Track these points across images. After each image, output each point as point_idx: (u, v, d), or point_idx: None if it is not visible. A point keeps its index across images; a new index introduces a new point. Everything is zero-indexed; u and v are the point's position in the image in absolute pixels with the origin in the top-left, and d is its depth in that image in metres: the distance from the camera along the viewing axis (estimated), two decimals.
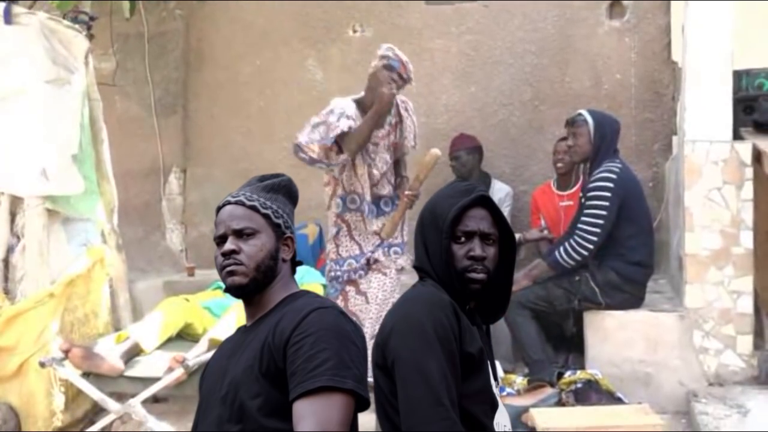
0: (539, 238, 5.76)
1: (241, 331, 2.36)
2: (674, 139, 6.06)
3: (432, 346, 2.16)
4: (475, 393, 2.22)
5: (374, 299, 4.84)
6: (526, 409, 4.55)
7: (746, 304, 4.93)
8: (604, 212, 4.95)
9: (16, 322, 4.63)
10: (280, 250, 2.31)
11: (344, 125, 4.66)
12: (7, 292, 4.77)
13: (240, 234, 2.26)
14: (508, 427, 2.33)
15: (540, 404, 4.68)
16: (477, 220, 2.31)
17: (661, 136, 6.40)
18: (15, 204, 4.85)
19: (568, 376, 4.89)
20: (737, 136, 5.08)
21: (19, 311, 4.64)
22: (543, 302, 5.14)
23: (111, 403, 4.37)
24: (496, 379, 2.34)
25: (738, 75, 5.17)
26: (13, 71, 4.83)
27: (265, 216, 2.29)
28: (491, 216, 2.33)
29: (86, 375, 4.43)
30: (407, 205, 4.89)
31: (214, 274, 4.03)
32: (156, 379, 4.33)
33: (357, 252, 4.91)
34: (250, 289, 2.27)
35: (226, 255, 2.25)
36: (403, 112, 4.91)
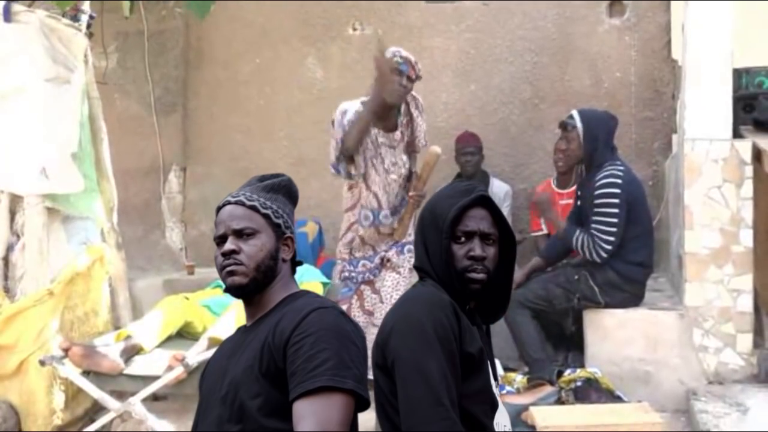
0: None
1: (241, 331, 2.36)
2: (674, 137, 6.06)
3: (432, 346, 2.16)
4: (475, 393, 2.22)
5: (388, 299, 4.81)
6: (525, 408, 4.56)
7: (746, 303, 4.94)
8: (614, 219, 4.95)
9: (15, 321, 4.63)
10: (280, 250, 2.31)
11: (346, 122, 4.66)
12: (7, 290, 4.77)
13: (240, 234, 2.26)
14: (508, 427, 2.33)
15: (540, 403, 4.68)
16: (477, 220, 2.30)
17: (661, 134, 6.40)
18: (15, 202, 4.85)
19: (567, 374, 4.89)
20: (737, 134, 5.08)
21: (18, 309, 4.64)
22: (543, 301, 5.14)
23: (111, 402, 4.37)
24: (496, 379, 2.34)
25: (738, 73, 5.17)
26: (13, 70, 4.83)
27: (265, 216, 2.29)
28: (491, 216, 2.33)
29: (86, 373, 4.44)
30: (414, 206, 4.88)
31: (213, 272, 4.04)
32: (156, 378, 4.33)
33: (371, 252, 4.90)
34: (250, 289, 2.27)
35: (226, 255, 2.25)
36: (413, 110, 4.89)
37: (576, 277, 5.10)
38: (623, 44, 6.43)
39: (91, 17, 5.21)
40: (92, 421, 4.65)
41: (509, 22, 6.53)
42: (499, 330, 5.18)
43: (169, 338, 4.78)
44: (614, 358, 5.05)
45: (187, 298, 5.04)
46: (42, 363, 4.41)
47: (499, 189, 6.18)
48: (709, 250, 4.94)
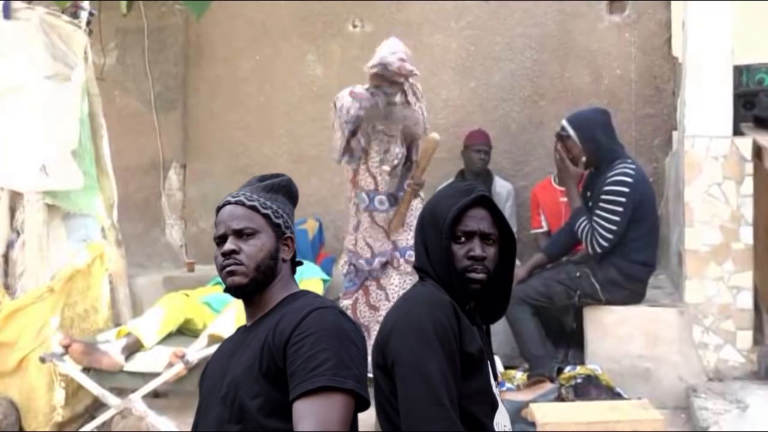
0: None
1: (241, 331, 2.36)
2: (674, 134, 6.05)
3: (432, 346, 2.16)
4: (475, 393, 2.22)
5: (394, 297, 4.79)
6: (525, 404, 4.56)
7: (746, 300, 4.94)
8: (617, 218, 4.95)
9: (16, 318, 4.64)
10: (280, 250, 2.31)
11: (354, 113, 4.63)
12: (7, 287, 4.78)
13: (240, 234, 2.26)
14: (508, 427, 2.33)
15: (540, 399, 4.68)
16: (477, 220, 2.30)
17: (661, 131, 6.39)
18: (15, 199, 4.86)
19: (567, 371, 4.90)
20: (737, 131, 5.07)
21: (19, 306, 4.65)
22: (543, 298, 5.14)
23: (111, 398, 4.38)
24: (496, 378, 2.34)
25: (738, 70, 5.17)
26: (13, 67, 4.83)
27: (265, 216, 2.29)
28: (491, 216, 2.33)
29: (86, 370, 4.45)
30: (412, 195, 4.85)
31: (213, 269, 4.00)
32: (156, 375, 4.34)
33: (368, 255, 4.87)
34: (250, 289, 2.27)
35: (226, 255, 2.25)
36: (411, 97, 4.86)
37: (577, 274, 5.10)
38: (623, 41, 6.42)
39: (90, 14, 5.20)
40: (92, 417, 4.66)
41: (509, 19, 6.52)
42: (499, 327, 5.20)
43: (170, 335, 4.78)
44: (614, 354, 5.05)
45: (187, 295, 5.05)
46: (42, 360, 4.42)
47: (502, 188, 6.18)
48: (709, 247, 4.94)
